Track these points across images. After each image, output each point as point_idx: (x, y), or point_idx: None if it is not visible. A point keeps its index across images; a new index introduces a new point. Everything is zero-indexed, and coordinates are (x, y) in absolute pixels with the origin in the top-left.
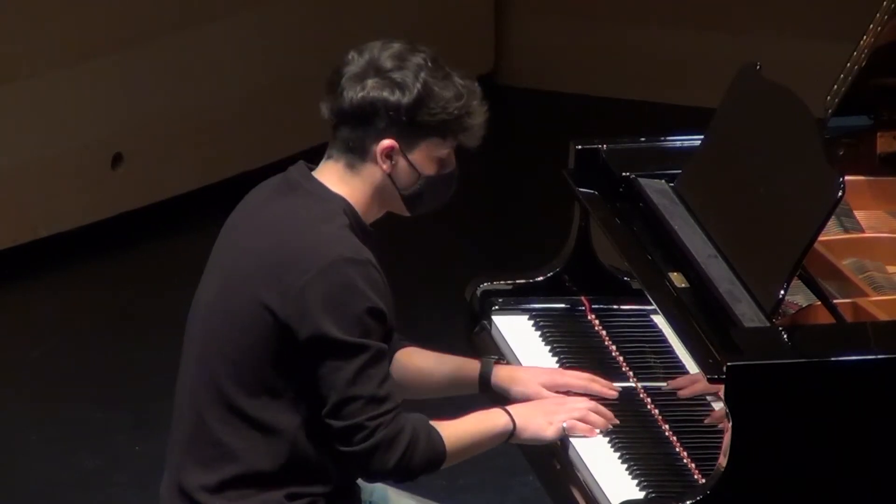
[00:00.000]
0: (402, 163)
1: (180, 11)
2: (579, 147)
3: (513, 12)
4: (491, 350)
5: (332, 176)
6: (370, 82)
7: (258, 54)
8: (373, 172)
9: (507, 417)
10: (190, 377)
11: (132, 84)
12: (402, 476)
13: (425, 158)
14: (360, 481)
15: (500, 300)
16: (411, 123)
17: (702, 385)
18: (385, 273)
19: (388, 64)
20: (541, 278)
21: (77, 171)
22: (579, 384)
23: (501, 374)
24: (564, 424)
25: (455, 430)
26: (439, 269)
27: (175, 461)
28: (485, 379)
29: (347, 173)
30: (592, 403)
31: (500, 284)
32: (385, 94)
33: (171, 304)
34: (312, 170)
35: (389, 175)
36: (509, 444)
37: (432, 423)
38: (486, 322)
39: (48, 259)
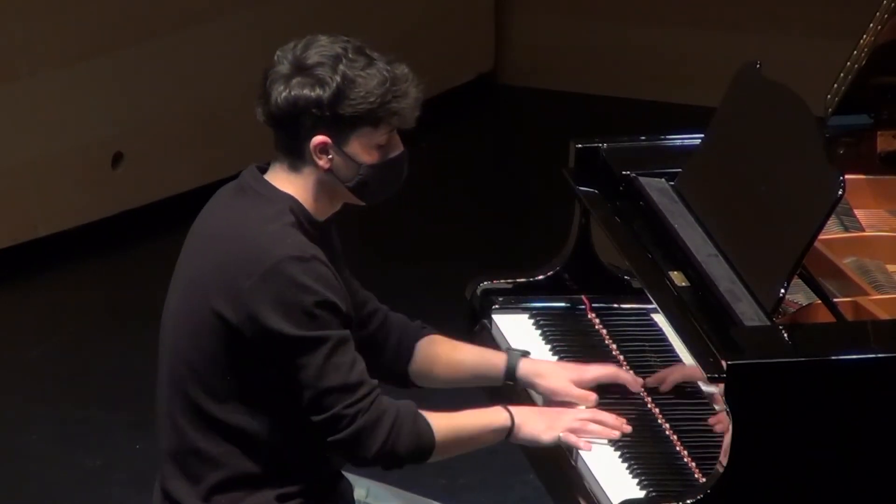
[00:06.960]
0: (338, 157)
1: (180, 11)
2: (579, 146)
3: (513, 12)
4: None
5: (280, 176)
6: (294, 81)
7: (258, 54)
8: (313, 170)
9: (506, 414)
10: (163, 386)
11: (132, 84)
12: (387, 461)
13: (362, 148)
14: (352, 478)
15: (500, 299)
16: (336, 117)
17: (679, 374)
18: (385, 273)
19: (309, 60)
20: (541, 277)
21: (77, 170)
22: (606, 374)
23: (527, 367)
24: (561, 434)
25: (448, 421)
26: (439, 267)
27: (162, 470)
28: (510, 371)
29: (292, 173)
30: (595, 414)
31: (501, 283)
32: (306, 91)
33: None
34: (265, 172)
35: (330, 170)
36: (508, 441)
37: (426, 413)
38: (486, 321)
39: (48, 258)
